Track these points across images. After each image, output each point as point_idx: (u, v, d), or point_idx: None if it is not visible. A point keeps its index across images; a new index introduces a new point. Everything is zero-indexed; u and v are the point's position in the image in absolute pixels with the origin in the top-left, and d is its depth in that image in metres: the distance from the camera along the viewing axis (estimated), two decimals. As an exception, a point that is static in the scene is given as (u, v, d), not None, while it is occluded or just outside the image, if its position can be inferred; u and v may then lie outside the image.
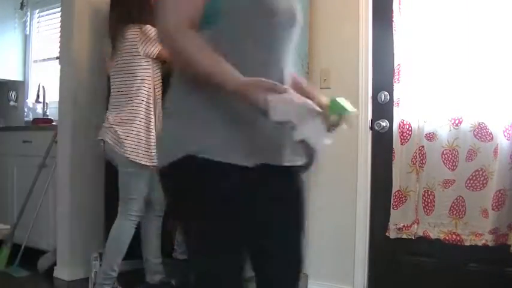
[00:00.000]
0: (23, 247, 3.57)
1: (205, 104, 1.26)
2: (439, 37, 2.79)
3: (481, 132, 2.67)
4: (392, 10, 2.90)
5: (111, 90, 2.90)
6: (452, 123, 2.74)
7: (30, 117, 4.60)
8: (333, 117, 1.31)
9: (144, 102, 2.76)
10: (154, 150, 2.73)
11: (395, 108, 2.90)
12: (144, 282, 3.03)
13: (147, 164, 2.75)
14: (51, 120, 4.29)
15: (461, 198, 2.72)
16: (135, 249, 2.93)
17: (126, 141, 2.73)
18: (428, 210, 2.81)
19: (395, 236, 2.90)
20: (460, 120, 2.73)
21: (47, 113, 4.56)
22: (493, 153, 2.62)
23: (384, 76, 2.99)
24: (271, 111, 1.16)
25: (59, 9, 3.99)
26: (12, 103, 4.85)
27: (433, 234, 2.78)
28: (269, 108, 1.16)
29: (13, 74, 4.80)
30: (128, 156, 2.72)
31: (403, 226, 2.88)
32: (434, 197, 2.80)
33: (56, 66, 4.11)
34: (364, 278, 3.03)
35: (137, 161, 2.73)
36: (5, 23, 4.70)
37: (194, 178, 1.25)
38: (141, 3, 2.81)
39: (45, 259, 3.47)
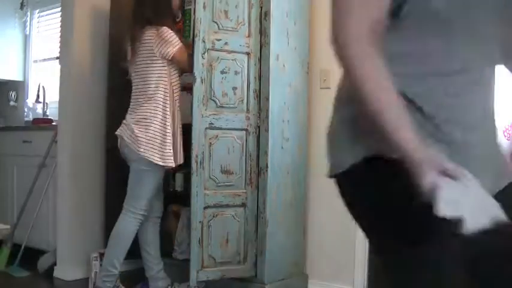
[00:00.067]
0: (23, 247, 3.57)
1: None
2: (439, 37, 2.79)
3: (481, 132, 2.67)
4: (392, 10, 2.90)
5: (132, 91, 2.93)
6: (452, 123, 2.74)
7: (30, 117, 4.60)
8: None
9: (160, 103, 2.78)
10: (169, 151, 2.76)
11: (395, 108, 2.90)
12: (145, 280, 3.03)
13: (160, 163, 2.76)
14: (51, 120, 4.29)
15: (461, 198, 2.71)
16: (136, 249, 2.93)
17: (141, 140, 2.75)
18: (428, 210, 2.81)
19: (395, 236, 2.90)
20: (460, 120, 2.72)
21: (47, 113, 4.56)
22: (493, 153, 2.62)
23: (384, 76, 2.99)
24: (437, 202, 0.89)
25: (59, 9, 4.00)
26: (12, 103, 4.85)
27: (433, 234, 2.78)
28: (435, 197, 0.89)
29: (13, 74, 4.80)
30: (142, 154, 2.74)
31: (403, 226, 2.87)
32: (434, 197, 2.79)
33: (56, 66, 4.11)
34: (364, 278, 3.03)
35: (151, 159, 2.74)
36: (5, 23, 4.69)
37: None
38: (159, 6, 2.84)
39: (45, 259, 3.47)
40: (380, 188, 1.05)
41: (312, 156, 3.21)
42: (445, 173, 0.91)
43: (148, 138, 2.76)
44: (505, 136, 2.59)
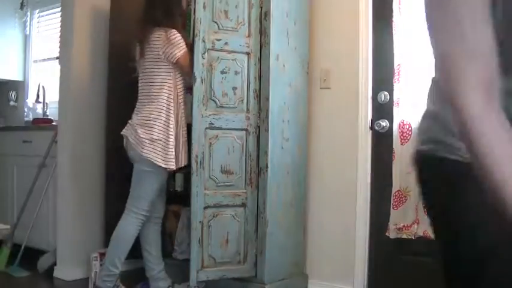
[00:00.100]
0: (23, 247, 3.57)
1: None
2: (439, 37, 2.78)
3: (481, 132, 2.66)
4: (392, 10, 2.90)
5: (138, 91, 2.94)
6: (453, 123, 2.74)
7: (30, 117, 4.60)
8: None
9: (164, 105, 2.79)
10: (172, 153, 2.77)
11: (395, 108, 2.90)
12: (145, 279, 3.03)
13: (163, 165, 2.76)
14: (51, 120, 4.29)
15: (461, 198, 2.71)
16: (136, 249, 2.93)
17: (145, 141, 2.76)
18: (428, 210, 2.81)
19: (395, 236, 2.90)
20: (460, 120, 2.72)
21: (47, 113, 4.56)
22: (493, 153, 2.61)
23: (384, 76, 2.99)
24: None
25: (59, 9, 4.00)
26: (12, 103, 4.85)
27: (433, 234, 2.78)
28: None
29: (13, 74, 4.80)
30: (144, 155, 2.75)
31: (403, 226, 2.88)
32: (434, 197, 2.79)
33: (56, 66, 4.11)
34: (364, 278, 3.03)
35: (153, 161, 2.75)
36: (5, 23, 4.69)
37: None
38: (169, 8, 2.87)
39: (45, 259, 3.47)
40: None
41: (312, 156, 3.21)
42: None
43: (151, 139, 2.76)
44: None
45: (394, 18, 2.90)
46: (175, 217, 3.34)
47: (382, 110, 3.00)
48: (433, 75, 1.10)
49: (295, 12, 3.05)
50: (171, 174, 3.32)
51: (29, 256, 3.56)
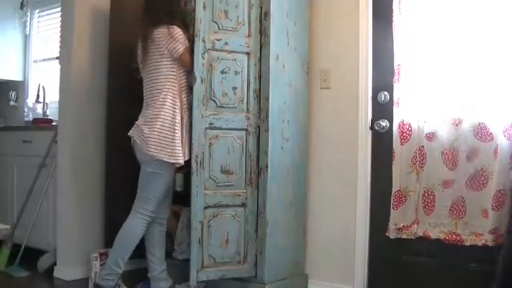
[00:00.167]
0: (23, 247, 3.57)
1: None
2: (439, 37, 2.79)
3: (481, 132, 2.67)
4: (392, 10, 2.90)
5: (143, 91, 2.94)
6: (452, 123, 2.75)
7: (30, 117, 4.60)
8: None
9: (169, 102, 2.79)
10: (179, 149, 2.77)
11: (395, 108, 2.90)
12: (146, 279, 3.04)
13: (171, 161, 2.76)
14: (51, 120, 4.29)
15: (461, 198, 2.72)
16: (140, 248, 2.93)
17: (150, 139, 2.76)
18: (428, 210, 2.81)
19: (395, 236, 2.90)
20: (460, 120, 2.73)
21: (47, 113, 4.56)
22: (493, 153, 2.62)
23: (384, 76, 2.99)
24: None
25: (59, 9, 4.00)
26: (12, 103, 4.85)
27: (433, 234, 2.78)
28: None
29: (13, 74, 4.80)
30: (151, 153, 2.75)
31: (403, 226, 2.88)
32: (434, 197, 2.80)
33: (56, 66, 4.12)
34: (364, 278, 3.03)
35: (161, 158, 2.74)
36: (5, 23, 4.70)
37: None
38: (170, 7, 2.88)
39: (45, 259, 3.47)
40: None
41: (312, 156, 3.21)
42: None
43: (157, 137, 2.75)
44: (505, 136, 2.60)
45: (394, 18, 2.90)
46: (175, 217, 3.34)
47: (382, 110, 3.00)
48: None
49: (295, 12, 3.05)
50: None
51: (29, 256, 3.56)
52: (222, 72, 2.81)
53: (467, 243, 2.68)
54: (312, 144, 3.21)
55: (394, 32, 2.90)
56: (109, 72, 3.43)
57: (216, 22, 2.80)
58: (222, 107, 2.82)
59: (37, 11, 4.84)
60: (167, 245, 3.20)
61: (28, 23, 4.83)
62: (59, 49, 3.83)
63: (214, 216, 2.82)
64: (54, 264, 3.43)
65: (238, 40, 2.84)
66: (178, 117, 2.80)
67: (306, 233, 3.20)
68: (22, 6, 4.71)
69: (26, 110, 4.76)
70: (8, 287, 3.26)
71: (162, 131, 2.76)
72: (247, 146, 2.87)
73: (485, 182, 2.65)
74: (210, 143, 2.80)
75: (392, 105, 2.92)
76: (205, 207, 2.79)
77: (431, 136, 2.81)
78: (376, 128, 3.01)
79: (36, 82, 4.66)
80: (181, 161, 2.79)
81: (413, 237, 2.85)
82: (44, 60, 4.72)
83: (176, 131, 2.78)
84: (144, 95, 2.91)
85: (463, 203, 2.71)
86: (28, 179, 3.72)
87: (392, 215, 2.90)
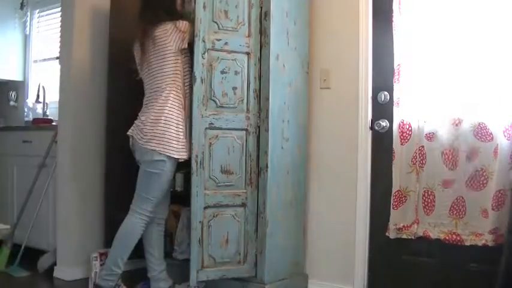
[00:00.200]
0: (23, 247, 3.57)
1: None
2: (439, 37, 2.79)
3: (481, 132, 2.67)
4: (392, 10, 2.90)
5: (144, 90, 2.94)
6: (452, 123, 2.75)
7: (30, 117, 4.60)
8: None
9: (173, 98, 2.79)
10: (183, 144, 2.78)
11: (395, 108, 2.90)
12: (146, 279, 3.04)
13: (175, 156, 2.77)
14: (51, 120, 4.30)
15: (461, 198, 2.72)
16: (139, 249, 2.93)
17: (155, 137, 2.76)
18: (428, 210, 2.81)
19: (395, 236, 2.90)
20: (460, 120, 2.73)
21: (47, 113, 4.56)
22: (493, 153, 2.62)
23: (383, 76, 2.99)
24: None
25: (59, 9, 4.00)
26: (12, 103, 4.85)
27: (433, 234, 2.78)
28: None
29: (13, 74, 4.81)
30: (152, 147, 2.75)
31: (403, 226, 2.88)
32: (434, 197, 2.80)
33: (56, 66, 4.12)
34: (364, 278, 3.03)
35: (165, 152, 2.75)
36: (5, 23, 4.70)
37: None
38: (170, 5, 2.89)
39: (45, 259, 3.47)
40: None
41: (312, 156, 3.21)
42: None
43: (161, 133, 2.75)
44: (505, 136, 2.60)
45: (394, 18, 2.90)
46: (175, 217, 3.34)
47: (382, 110, 3.00)
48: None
49: (295, 12, 3.05)
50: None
51: (29, 256, 3.56)
52: (222, 72, 2.81)
53: (467, 243, 2.68)
54: (312, 144, 3.21)
55: (394, 32, 2.90)
56: (109, 72, 3.43)
57: (216, 22, 2.80)
58: (222, 107, 2.82)
59: (37, 11, 4.85)
60: (167, 245, 3.20)
61: (28, 23, 4.83)
62: (59, 49, 3.83)
63: (214, 216, 2.82)
64: (54, 264, 3.43)
65: (238, 40, 2.84)
66: (182, 114, 2.81)
67: (306, 232, 3.20)
68: (22, 6, 4.71)
69: (26, 110, 4.76)
70: (8, 287, 3.26)
71: (166, 127, 2.76)
72: (247, 146, 2.87)
73: (485, 182, 2.65)
74: (210, 143, 2.80)
75: (392, 105, 2.92)
76: (205, 207, 2.79)
77: (431, 136, 2.81)
78: (376, 128, 3.01)
79: (36, 82, 4.66)
80: (185, 156, 2.79)
81: (413, 237, 2.85)
82: (44, 60, 4.72)
83: (180, 127, 2.78)
84: (145, 93, 2.91)
85: (463, 203, 2.71)
86: (28, 179, 3.72)
87: (393, 215, 2.90)
